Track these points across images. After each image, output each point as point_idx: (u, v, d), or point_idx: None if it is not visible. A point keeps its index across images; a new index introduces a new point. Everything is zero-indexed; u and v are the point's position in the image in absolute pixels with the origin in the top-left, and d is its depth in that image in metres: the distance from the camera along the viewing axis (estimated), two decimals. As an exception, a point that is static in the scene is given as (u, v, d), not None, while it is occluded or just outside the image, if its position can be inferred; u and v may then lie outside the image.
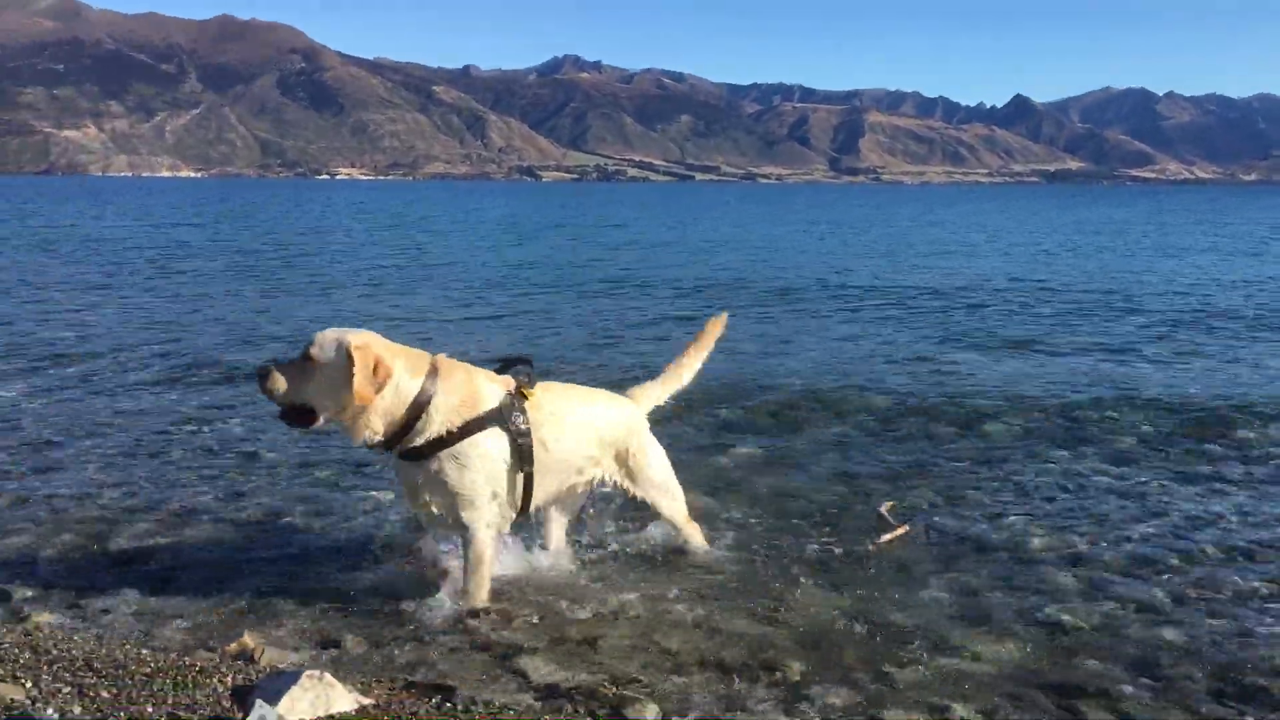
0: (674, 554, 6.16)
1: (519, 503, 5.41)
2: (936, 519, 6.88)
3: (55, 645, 4.47)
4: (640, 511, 6.92)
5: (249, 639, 4.84)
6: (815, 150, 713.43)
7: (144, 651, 4.53)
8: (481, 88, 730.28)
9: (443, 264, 27.65)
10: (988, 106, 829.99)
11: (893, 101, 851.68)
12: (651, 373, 6.22)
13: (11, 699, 3.61)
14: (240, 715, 3.60)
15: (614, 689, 4.46)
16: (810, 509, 7.10)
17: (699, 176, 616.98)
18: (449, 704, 4.10)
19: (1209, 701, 4.49)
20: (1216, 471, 7.96)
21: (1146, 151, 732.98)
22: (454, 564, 5.54)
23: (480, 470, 5.19)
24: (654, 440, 6.01)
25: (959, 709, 4.39)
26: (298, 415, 5.05)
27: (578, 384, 6.08)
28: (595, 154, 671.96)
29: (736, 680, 4.62)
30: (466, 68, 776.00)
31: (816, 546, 6.36)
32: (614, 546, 6.20)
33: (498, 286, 21.78)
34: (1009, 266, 27.68)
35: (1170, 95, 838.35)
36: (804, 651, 4.92)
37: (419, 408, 5.07)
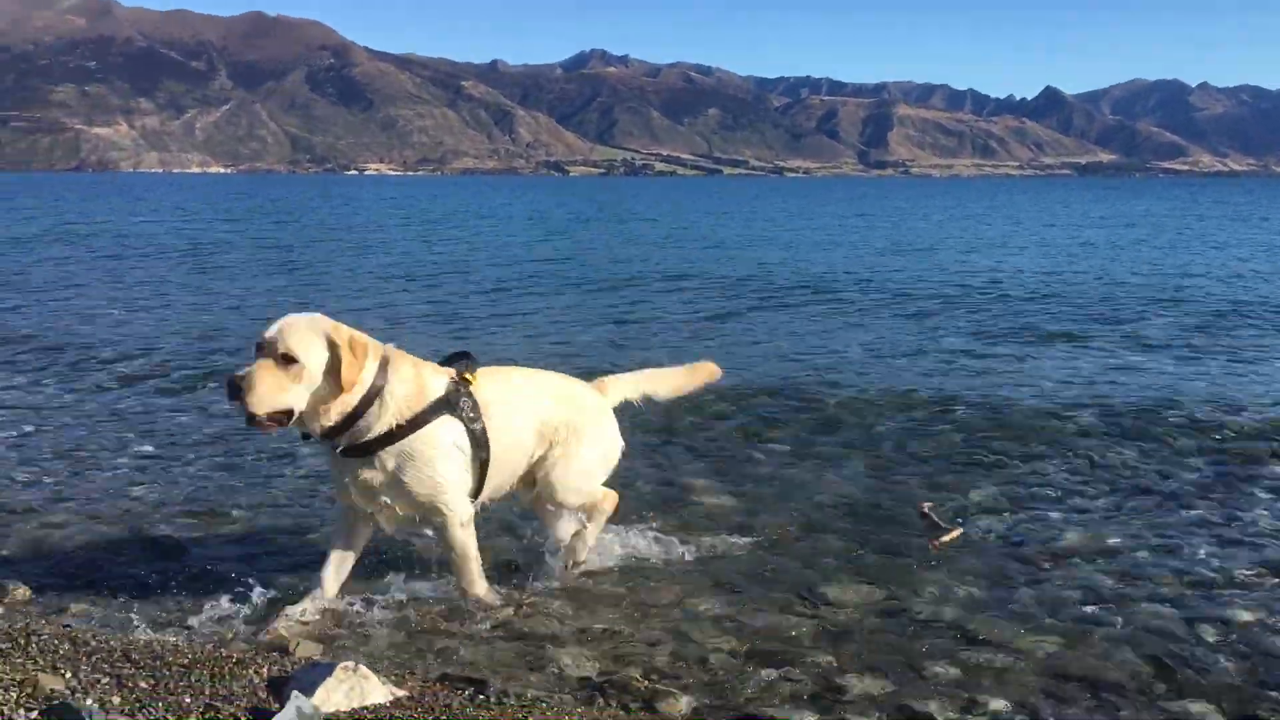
0: (706, 549, 6.16)
1: (473, 491, 5.26)
2: (970, 515, 6.86)
3: (93, 637, 4.52)
4: (670, 505, 6.94)
5: (284, 630, 4.89)
6: (843, 143, 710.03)
7: (181, 643, 4.58)
8: (509, 83, 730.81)
9: (474, 261, 27.67)
10: (1018, 99, 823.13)
11: (922, 94, 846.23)
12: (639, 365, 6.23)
13: (52, 689, 3.66)
14: (276, 706, 3.63)
15: (646, 682, 4.47)
16: (841, 505, 7.09)
17: (726, 170, 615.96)
18: (481, 696, 4.13)
19: (1244, 697, 4.46)
20: (1258, 473, 7.80)
21: (1179, 143, 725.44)
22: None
23: (443, 462, 5.05)
24: (603, 434, 5.73)
25: (991, 702, 4.38)
26: (272, 417, 4.75)
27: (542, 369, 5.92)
28: (623, 148, 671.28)
29: (767, 673, 4.62)
30: (494, 63, 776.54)
31: (847, 542, 6.35)
32: (644, 540, 6.21)
33: (527, 283, 21.77)
34: (1048, 262, 27.25)
35: (1203, 86, 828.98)
36: (835, 644, 4.92)
37: (370, 398, 4.90)
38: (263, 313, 16.33)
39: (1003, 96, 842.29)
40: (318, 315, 4.90)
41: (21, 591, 5.38)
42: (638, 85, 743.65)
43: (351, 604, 5.24)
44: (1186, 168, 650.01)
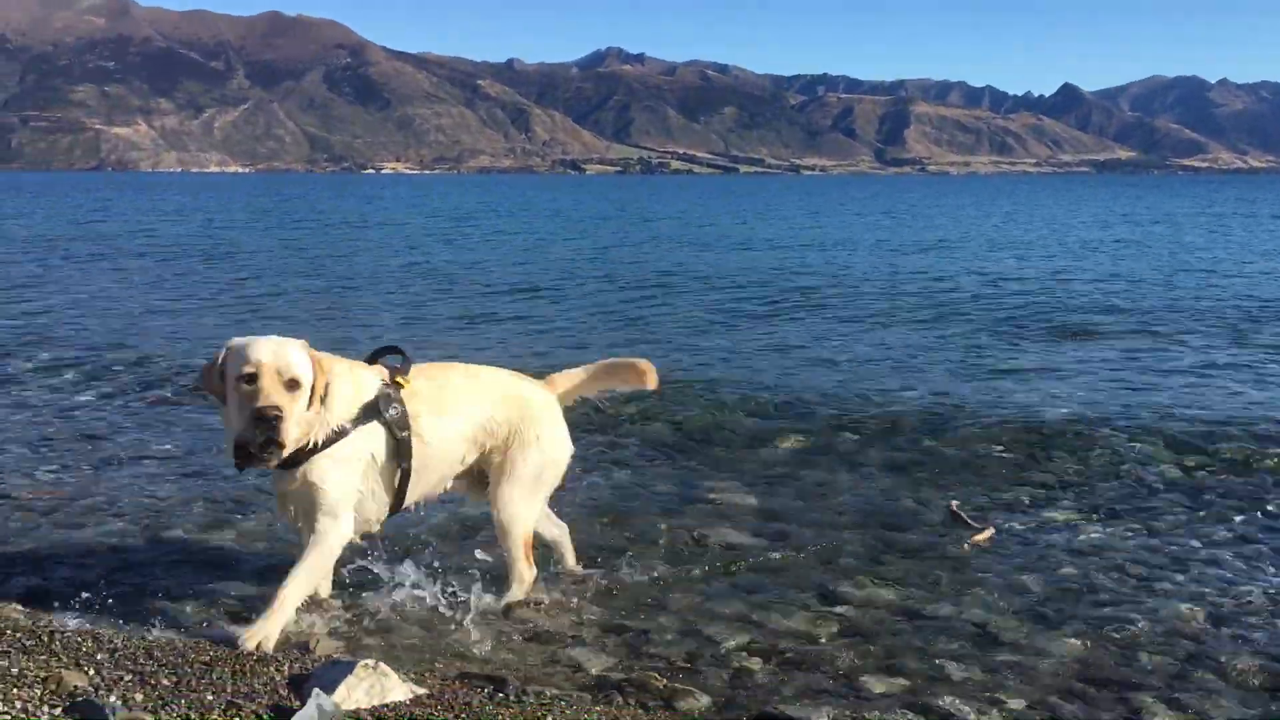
0: (723, 548, 6.17)
1: (390, 500, 5.01)
2: (989, 515, 6.84)
3: (116, 634, 4.55)
4: (688, 504, 6.94)
5: (305, 628, 4.90)
6: (860, 141, 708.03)
7: (202, 640, 4.60)
8: (525, 81, 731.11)
9: (494, 262, 27.71)
10: (1035, 96, 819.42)
11: (939, 91, 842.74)
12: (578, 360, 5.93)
13: (75, 686, 3.68)
14: (297, 704, 3.64)
15: (664, 681, 4.47)
16: (858, 505, 7.08)
17: (743, 169, 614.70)
18: (501, 694, 4.14)
19: (1266, 699, 4.44)
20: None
21: (1198, 140, 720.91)
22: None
23: (357, 471, 4.81)
24: (555, 437, 5.42)
25: (1011, 702, 4.37)
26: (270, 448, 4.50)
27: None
28: (639, 146, 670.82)
29: (786, 671, 4.62)
30: (510, 61, 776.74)
31: (866, 541, 6.34)
32: (662, 540, 6.21)
33: (543, 285, 21.78)
34: (1083, 264, 26.98)
35: (1223, 83, 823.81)
36: (853, 643, 4.92)
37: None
38: (286, 314, 16.40)
39: (1020, 93, 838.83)
40: (268, 336, 4.64)
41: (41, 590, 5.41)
42: (654, 83, 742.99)
43: (370, 602, 5.26)
44: (1206, 165, 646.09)
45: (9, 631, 4.34)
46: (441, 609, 5.22)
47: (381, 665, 3.95)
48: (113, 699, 3.60)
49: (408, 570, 5.54)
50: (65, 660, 4.02)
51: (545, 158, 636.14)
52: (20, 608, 5.00)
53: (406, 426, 4.87)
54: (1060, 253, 29.76)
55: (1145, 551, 6.18)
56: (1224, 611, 5.30)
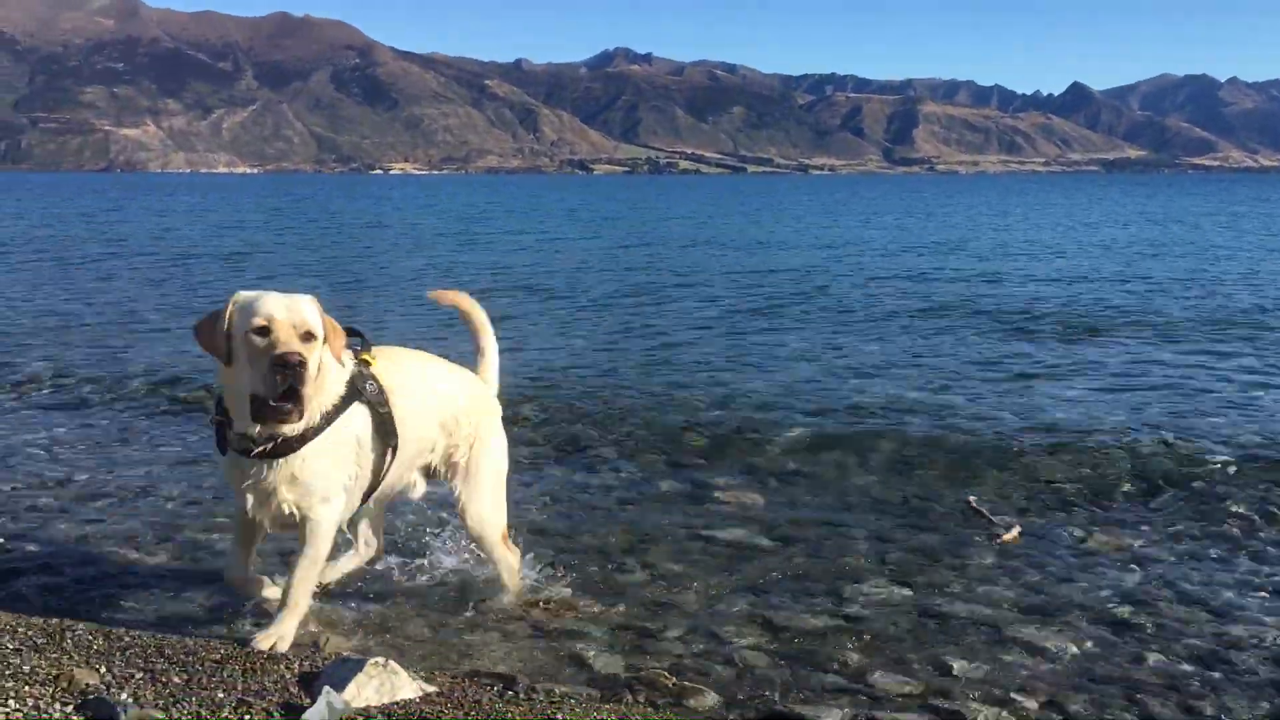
0: (731, 545, 6.17)
1: (368, 487, 4.74)
2: (1001, 514, 6.83)
3: (127, 633, 4.56)
4: (695, 501, 6.95)
5: (313, 626, 4.91)
6: (869, 140, 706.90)
7: (213, 639, 4.61)
8: (533, 81, 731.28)
9: (508, 262, 27.73)
10: (1044, 95, 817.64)
11: (947, 91, 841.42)
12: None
13: (86, 684, 3.69)
14: (308, 701, 3.65)
15: (674, 679, 4.47)
16: (868, 503, 7.08)
17: (751, 169, 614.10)
18: (510, 692, 4.14)
19: (1276, 697, 4.43)
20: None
21: (1208, 139, 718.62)
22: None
23: (347, 456, 4.54)
24: (501, 431, 5.24)
25: (1021, 700, 4.36)
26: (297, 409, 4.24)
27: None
28: (647, 146, 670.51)
29: (796, 669, 4.62)
30: (518, 61, 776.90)
31: (875, 539, 6.34)
32: (670, 538, 6.22)
33: (557, 286, 21.79)
34: (1107, 267, 26.81)
35: (1232, 81, 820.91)
36: (862, 641, 4.92)
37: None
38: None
39: (1029, 92, 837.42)
40: (270, 290, 4.37)
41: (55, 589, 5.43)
42: (662, 83, 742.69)
43: (379, 600, 5.27)
44: (1216, 163, 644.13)
45: (21, 629, 4.36)
46: (451, 607, 5.22)
47: (391, 663, 3.96)
48: (124, 696, 3.61)
49: (417, 566, 5.54)
50: (77, 658, 4.04)
51: (553, 158, 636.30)
52: (32, 605, 5.02)
53: (385, 403, 4.61)
54: (1075, 252, 29.67)
55: (1157, 551, 6.17)
56: (1235, 612, 5.28)
